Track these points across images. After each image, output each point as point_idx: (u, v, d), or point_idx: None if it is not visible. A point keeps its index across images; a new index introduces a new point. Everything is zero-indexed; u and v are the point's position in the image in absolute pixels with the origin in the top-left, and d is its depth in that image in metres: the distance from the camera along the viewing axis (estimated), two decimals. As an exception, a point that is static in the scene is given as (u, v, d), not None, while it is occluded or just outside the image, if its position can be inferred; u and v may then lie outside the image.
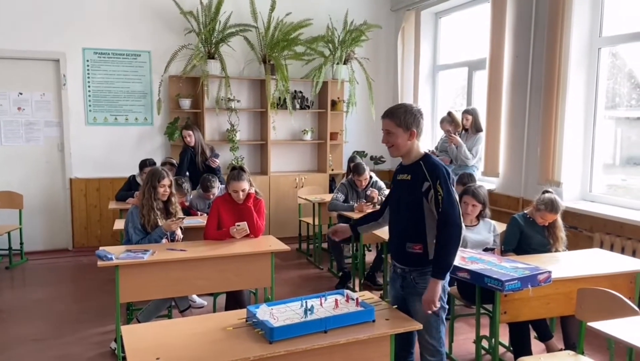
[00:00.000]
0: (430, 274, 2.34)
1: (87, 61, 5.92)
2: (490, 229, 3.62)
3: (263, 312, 2.18)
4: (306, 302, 2.27)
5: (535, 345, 3.26)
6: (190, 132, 5.49)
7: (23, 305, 4.42)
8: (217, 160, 5.56)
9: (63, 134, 5.92)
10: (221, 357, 1.93)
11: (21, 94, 5.79)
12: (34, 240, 5.81)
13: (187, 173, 5.38)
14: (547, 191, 3.53)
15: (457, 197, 2.36)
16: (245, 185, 3.70)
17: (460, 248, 3.23)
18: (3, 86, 5.71)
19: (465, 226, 3.53)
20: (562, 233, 3.54)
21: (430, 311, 2.33)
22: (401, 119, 2.34)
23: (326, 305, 2.32)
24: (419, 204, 2.35)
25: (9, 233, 5.41)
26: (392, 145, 2.40)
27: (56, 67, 5.84)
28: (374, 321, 2.23)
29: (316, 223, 5.62)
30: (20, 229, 5.55)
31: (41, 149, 5.91)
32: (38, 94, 5.85)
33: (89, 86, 5.95)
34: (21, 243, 5.59)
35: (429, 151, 5.68)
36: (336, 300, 2.36)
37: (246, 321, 2.22)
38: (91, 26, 5.85)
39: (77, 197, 6.00)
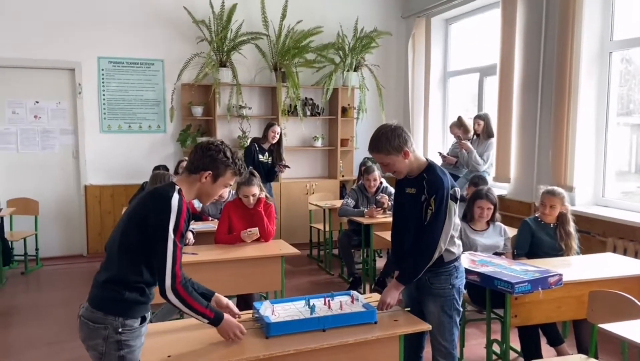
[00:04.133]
0: (395, 277, 2.41)
1: (102, 69, 6.03)
2: (501, 233, 3.61)
3: (265, 308, 2.21)
4: (310, 301, 2.28)
5: (546, 350, 3.23)
6: (279, 129, 5.60)
7: (37, 310, 4.48)
8: (284, 170, 5.68)
9: (78, 142, 6.02)
10: (218, 350, 2.01)
11: (37, 102, 5.91)
12: (49, 246, 5.90)
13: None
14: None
15: (449, 214, 2.31)
16: (255, 190, 3.74)
17: (469, 252, 3.27)
18: (20, 94, 5.83)
19: (476, 230, 3.54)
20: (574, 242, 3.51)
21: (381, 310, 2.36)
22: (388, 148, 2.30)
23: (332, 305, 2.33)
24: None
25: (24, 239, 5.50)
26: (394, 172, 2.40)
27: (72, 76, 5.96)
28: (376, 322, 2.24)
29: (327, 228, 5.64)
30: (36, 235, 5.64)
31: (56, 156, 6.01)
32: (54, 102, 5.97)
33: (103, 94, 6.06)
34: (37, 249, 5.68)
35: (439, 154, 5.72)
36: (341, 301, 2.38)
37: (252, 317, 2.26)
38: (106, 35, 5.96)
39: (92, 203, 6.08)
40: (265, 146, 5.59)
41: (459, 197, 2.38)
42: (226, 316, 2.06)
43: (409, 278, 2.39)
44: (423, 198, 2.31)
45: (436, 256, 2.33)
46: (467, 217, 3.56)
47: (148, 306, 1.97)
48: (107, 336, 1.85)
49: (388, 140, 2.30)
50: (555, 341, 3.23)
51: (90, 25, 5.89)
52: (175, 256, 1.87)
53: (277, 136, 5.56)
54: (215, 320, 2.01)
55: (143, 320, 1.94)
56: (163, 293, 1.88)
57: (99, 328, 1.86)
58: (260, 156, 5.53)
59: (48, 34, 5.75)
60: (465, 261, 3.01)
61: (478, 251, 3.39)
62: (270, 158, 5.62)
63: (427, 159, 2.42)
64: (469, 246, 3.43)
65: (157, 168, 5.39)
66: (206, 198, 2.07)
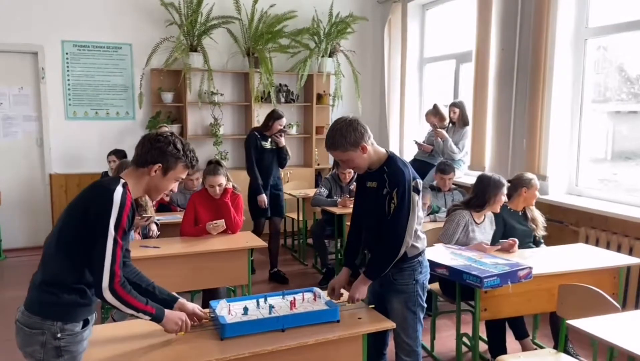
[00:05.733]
0: (363, 271, 2.34)
1: (67, 53, 5.78)
2: (492, 223, 3.42)
3: (221, 307, 2.10)
4: (266, 299, 2.18)
5: (511, 343, 3.19)
6: (285, 121, 4.95)
7: (1, 304, 4.30)
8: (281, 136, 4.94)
9: (42, 129, 5.78)
10: (170, 354, 1.91)
11: (-2, 87, 5.66)
12: (13, 237, 5.69)
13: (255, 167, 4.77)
14: (509, 181, 3.45)
15: (413, 207, 2.21)
16: (221, 179, 3.61)
17: (442, 244, 3.19)
18: (-21, 79, 5.57)
19: (477, 223, 3.28)
20: (540, 216, 3.48)
21: (352, 303, 2.32)
22: (345, 144, 2.20)
23: (296, 303, 2.23)
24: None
25: (-15, 230, 5.30)
26: (354, 167, 2.33)
27: (34, 60, 5.70)
28: (338, 321, 2.14)
29: (301, 218, 5.54)
30: (-2, 226, 5.44)
31: (19, 144, 5.77)
32: (16, 88, 5.71)
33: (68, 80, 5.82)
34: (-1, 240, 5.48)
35: (415, 141, 5.63)
36: (295, 298, 2.28)
37: (208, 316, 2.14)
38: (70, 18, 5.70)
39: (58, 193, 5.87)
40: (268, 133, 4.90)
41: (420, 189, 2.29)
42: (167, 311, 1.95)
43: (377, 272, 2.32)
44: (385, 191, 2.22)
45: (403, 250, 2.25)
46: (482, 205, 3.22)
47: (91, 309, 1.85)
48: (45, 343, 1.73)
49: (343, 136, 2.19)
50: (521, 335, 3.19)
51: (54, 6, 5.62)
52: (115, 254, 1.75)
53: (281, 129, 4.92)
54: (157, 315, 1.90)
55: (85, 323, 1.81)
56: (99, 293, 1.75)
57: (36, 334, 1.74)
58: (264, 143, 4.87)
59: (8, 16, 5.47)
60: (437, 253, 2.94)
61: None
62: (274, 144, 4.98)
63: (387, 151, 2.32)
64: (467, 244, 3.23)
65: (116, 152, 5.16)
66: (156, 192, 1.95)
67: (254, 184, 4.76)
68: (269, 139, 4.89)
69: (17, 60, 5.68)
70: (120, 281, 1.77)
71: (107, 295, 1.75)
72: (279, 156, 4.93)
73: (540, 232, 3.47)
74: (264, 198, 4.71)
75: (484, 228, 3.34)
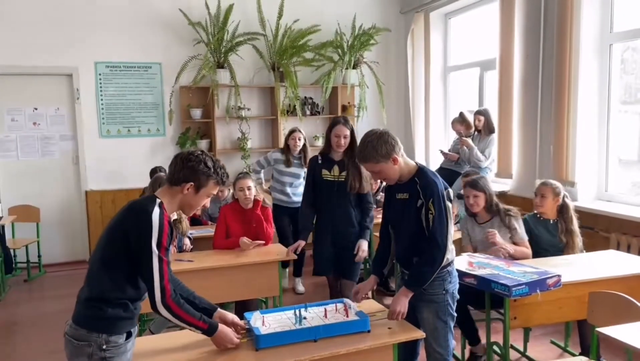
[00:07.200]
0: (404, 283, 2.37)
1: (100, 74, 6.01)
2: (504, 225, 3.40)
3: (255, 319, 2.18)
4: (299, 311, 2.25)
5: (550, 350, 3.18)
6: (346, 130, 3.48)
7: (40, 318, 4.49)
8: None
9: (77, 147, 6.02)
10: None
11: (36, 109, 5.91)
12: (51, 253, 5.91)
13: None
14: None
15: (449, 216, 2.30)
16: (250, 183, 3.74)
17: (467, 253, 3.22)
18: (19, 101, 5.83)
19: (478, 223, 3.44)
20: (577, 238, 3.46)
21: (395, 319, 2.32)
22: (376, 157, 2.27)
23: (327, 314, 2.30)
24: (420, 220, 2.31)
25: (26, 246, 5.52)
26: (385, 178, 2.39)
27: (69, 81, 5.95)
28: (369, 331, 2.20)
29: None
30: (38, 242, 5.66)
31: (57, 162, 6.02)
32: (52, 108, 5.97)
33: (101, 99, 6.05)
34: (39, 256, 5.69)
35: (440, 151, 5.66)
36: (327, 309, 2.34)
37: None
38: (102, 40, 5.94)
39: (93, 209, 6.08)
40: (336, 156, 3.55)
41: (452, 198, 2.35)
42: (220, 325, 2.05)
43: (420, 283, 2.34)
44: (420, 203, 2.28)
45: (445, 258, 2.30)
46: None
47: (134, 321, 1.95)
48: (92, 354, 1.84)
49: (374, 148, 2.26)
50: (473, 341, 3.27)
51: (87, 30, 5.87)
52: (162, 271, 1.87)
53: (345, 141, 3.47)
54: (209, 330, 2.02)
55: (129, 335, 1.92)
56: (154, 308, 1.89)
57: (83, 346, 1.85)
58: (325, 171, 3.55)
59: (44, 41, 5.74)
60: (463, 263, 2.97)
61: (479, 247, 3.34)
62: (343, 173, 3.48)
63: (417, 163, 2.39)
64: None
65: (154, 170, 5.35)
66: (189, 209, 2.05)
67: (299, 223, 3.78)
68: (335, 165, 3.52)
69: (54, 82, 5.94)
70: (171, 295, 1.89)
71: (162, 310, 1.88)
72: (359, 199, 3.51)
73: (573, 252, 3.42)
74: (297, 245, 3.59)
75: (487, 226, 3.38)
